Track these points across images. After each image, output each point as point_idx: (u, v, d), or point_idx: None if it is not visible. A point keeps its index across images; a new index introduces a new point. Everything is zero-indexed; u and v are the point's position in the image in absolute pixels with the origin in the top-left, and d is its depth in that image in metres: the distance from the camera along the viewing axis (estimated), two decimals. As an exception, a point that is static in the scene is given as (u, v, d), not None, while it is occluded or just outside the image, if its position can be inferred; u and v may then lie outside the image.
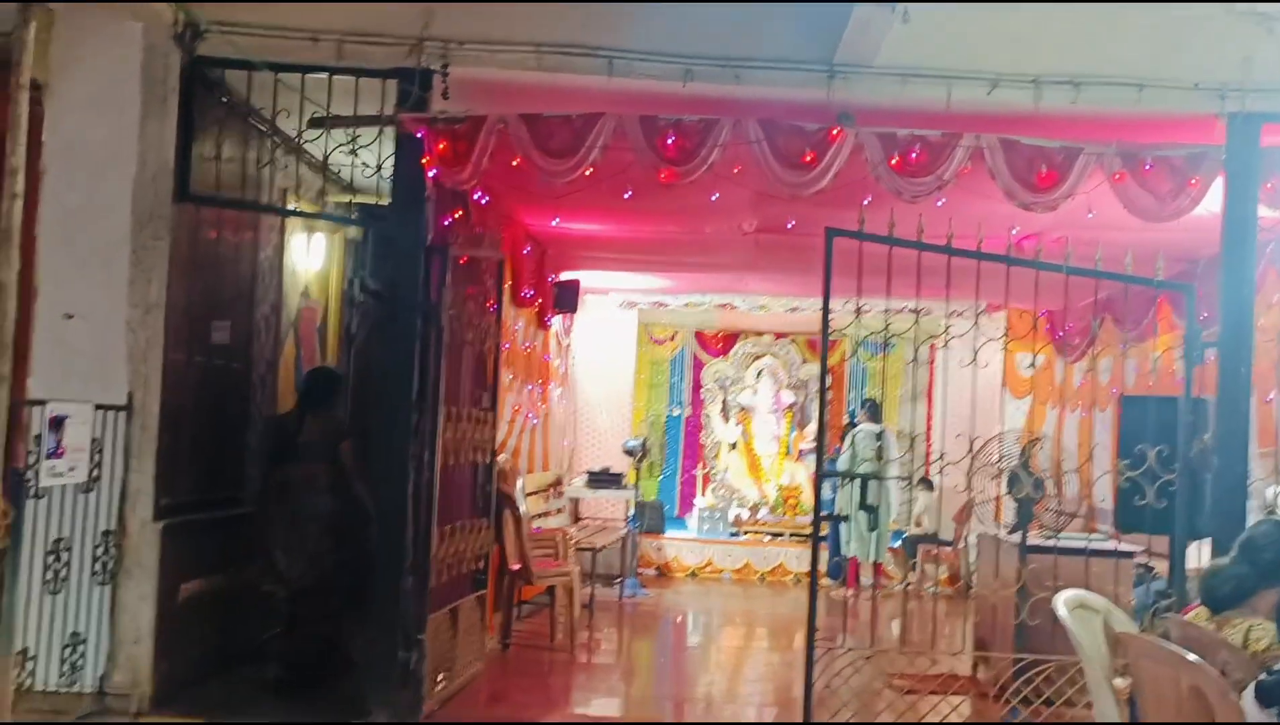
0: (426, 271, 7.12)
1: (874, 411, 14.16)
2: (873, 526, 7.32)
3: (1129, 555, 8.15)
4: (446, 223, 7.41)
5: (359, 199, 9.34)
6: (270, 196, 8.28)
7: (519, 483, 10.71)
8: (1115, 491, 7.22)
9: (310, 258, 9.30)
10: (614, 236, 10.21)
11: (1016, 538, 8.04)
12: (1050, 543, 7.49)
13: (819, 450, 7.10)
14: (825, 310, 7.04)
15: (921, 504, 14.43)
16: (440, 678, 7.46)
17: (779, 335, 16.72)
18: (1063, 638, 7.55)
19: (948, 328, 7.35)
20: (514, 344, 10.16)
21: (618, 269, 12.39)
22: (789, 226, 8.54)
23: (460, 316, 7.64)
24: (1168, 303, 10.28)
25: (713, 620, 12.65)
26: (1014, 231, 7.03)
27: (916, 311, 7.18)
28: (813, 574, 6.96)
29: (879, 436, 13.65)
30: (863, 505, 7.02)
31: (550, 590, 9.84)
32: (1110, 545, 8.07)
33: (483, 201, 8.16)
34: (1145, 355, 11.78)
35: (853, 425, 14.35)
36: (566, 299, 12.30)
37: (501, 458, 10.26)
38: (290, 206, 8.61)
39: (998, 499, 14.68)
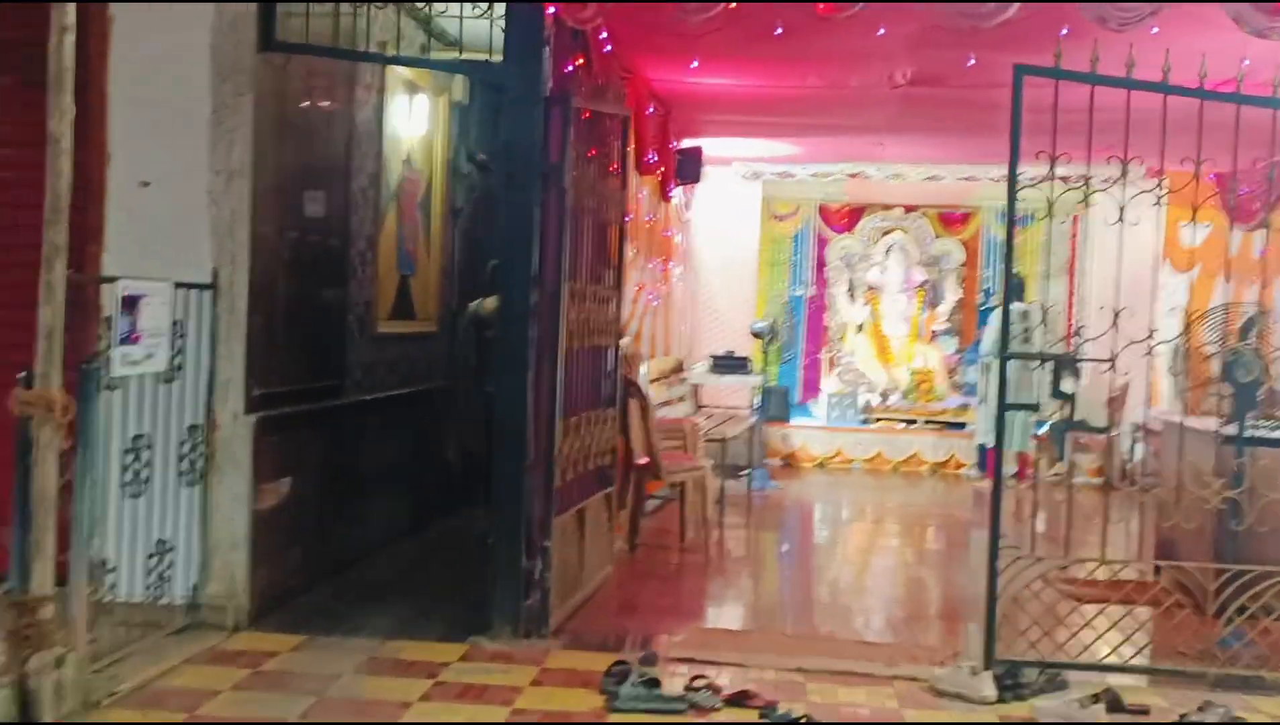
0: (546, 127, 6.17)
1: (1018, 289, 13.02)
2: (1069, 416, 6.24)
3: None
4: (568, 71, 6.43)
5: (467, 55, 8.37)
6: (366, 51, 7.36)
7: (643, 368, 9.84)
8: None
9: (413, 122, 8.40)
10: (746, 94, 9.13)
11: (1205, 425, 7.01)
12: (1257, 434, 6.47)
13: (1003, 329, 6.07)
14: (1013, 168, 5.95)
15: (1070, 387, 13.28)
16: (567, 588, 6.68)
17: (909, 209, 15.59)
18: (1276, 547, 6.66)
19: (1086, 192, 6.07)
20: (637, 215, 9.18)
21: (747, 134, 11.31)
22: (969, 64, 7.36)
23: (583, 181, 6.70)
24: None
25: (850, 515, 11.77)
26: (1245, 63, 5.86)
27: (1087, 178, 6.04)
28: (997, 476, 6.00)
29: (1025, 315, 12.56)
30: (1056, 392, 5.97)
31: (678, 485, 9.00)
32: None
33: (606, 49, 7.16)
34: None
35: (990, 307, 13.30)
36: (690, 168, 11.27)
37: (625, 341, 9.39)
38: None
39: (1154, 386, 13.66)
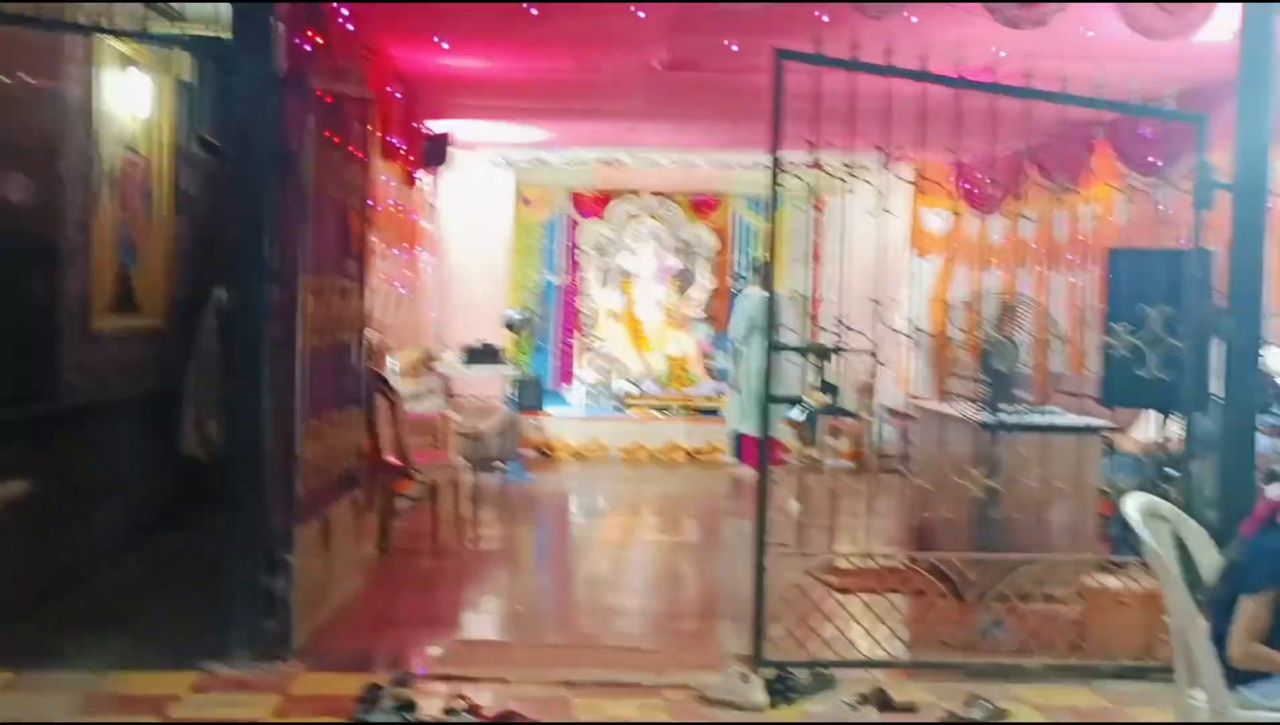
0: (280, 111, 5.68)
1: (766, 275, 13.07)
2: (835, 405, 6.14)
3: (1095, 431, 7.20)
4: (304, 50, 5.94)
5: (193, 31, 7.73)
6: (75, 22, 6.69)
7: (391, 362, 9.39)
8: (1101, 360, 6.20)
9: (132, 101, 7.70)
10: (496, 77, 8.74)
11: (962, 411, 7.05)
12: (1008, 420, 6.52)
13: (769, 319, 5.89)
14: (775, 154, 5.77)
15: (835, 378, 13.37)
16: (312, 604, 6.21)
17: (660, 195, 15.47)
18: (1035, 533, 6.72)
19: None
20: (381, 202, 8.70)
21: (497, 118, 10.91)
22: (731, 48, 7.16)
23: (323, 167, 6.22)
24: (1110, 146, 9.31)
25: (608, 507, 11.56)
26: (1000, 54, 5.85)
27: (849, 165, 5.94)
28: (763, 475, 5.83)
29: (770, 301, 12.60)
30: (823, 386, 5.85)
31: (430, 484, 8.59)
32: (1077, 421, 7.11)
33: (347, 27, 6.69)
34: (1074, 208, 10.91)
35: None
36: (436, 153, 10.80)
37: (371, 334, 8.91)
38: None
39: (901, 370, 13.90)
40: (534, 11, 6.05)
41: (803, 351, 6.16)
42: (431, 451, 8.78)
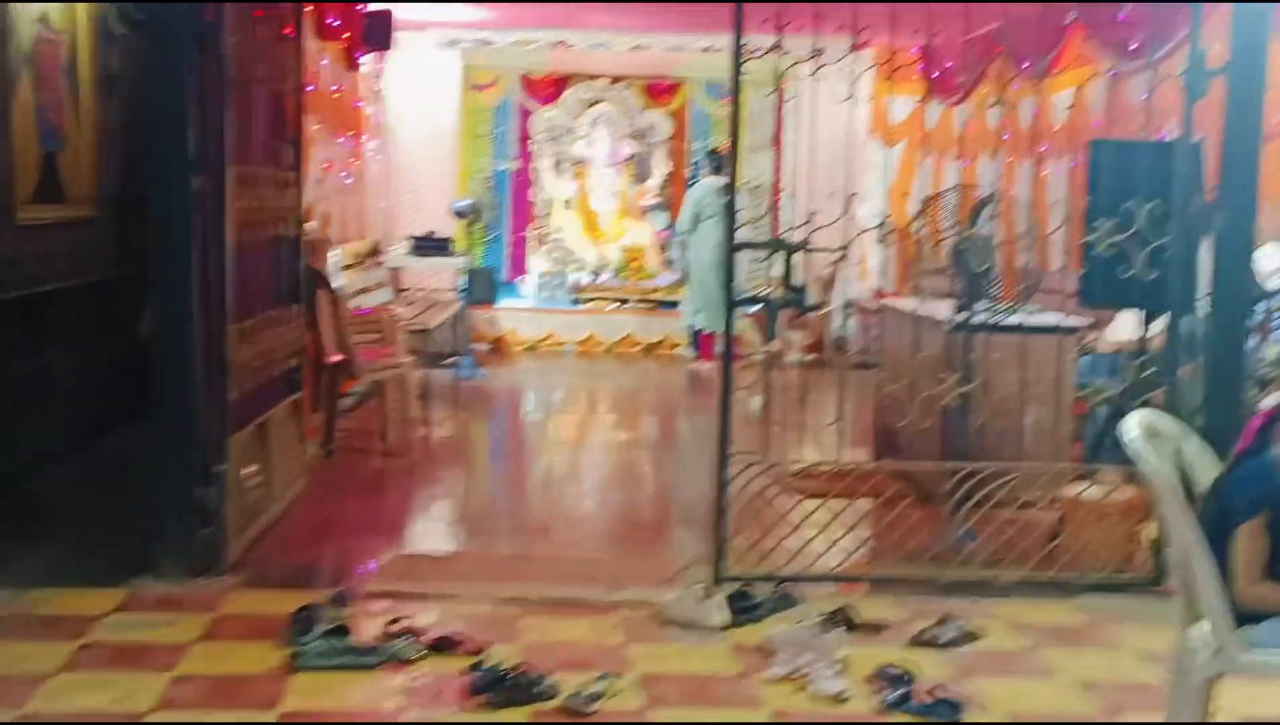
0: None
1: (718, 163, 12.65)
2: (800, 304, 5.78)
3: (1073, 331, 6.91)
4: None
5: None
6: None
7: (332, 256, 8.94)
8: (1080, 258, 5.86)
9: (47, -27, 7.14)
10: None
11: (932, 311, 6.72)
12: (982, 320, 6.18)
13: (727, 219, 5.46)
14: (738, 36, 5.33)
15: (801, 278, 13.00)
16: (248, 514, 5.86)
17: (615, 80, 14.94)
18: (1006, 441, 6.44)
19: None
20: (320, 86, 8.16)
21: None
22: None
23: (247, 45, 5.73)
24: (1081, 30, 8.89)
25: (562, 405, 11.23)
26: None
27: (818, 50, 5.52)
28: (726, 383, 5.48)
29: (725, 191, 12.19)
30: (786, 284, 5.49)
31: (378, 383, 8.22)
32: (1054, 320, 6.80)
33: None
34: (1045, 96, 10.50)
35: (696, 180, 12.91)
36: (378, 33, 10.24)
37: (310, 226, 8.46)
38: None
39: (863, 262, 13.58)
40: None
41: (768, 248, 5.78)
42: (378, 348, 8.37)
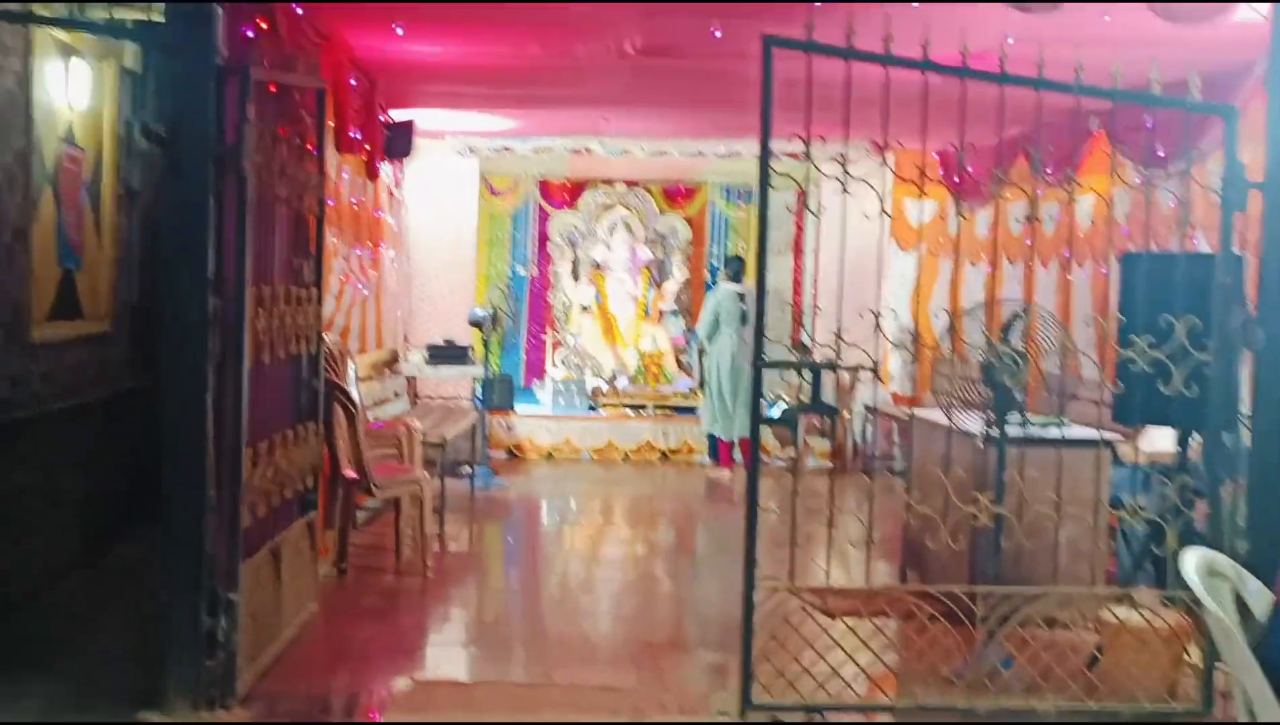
0: (220, 103, 5.14)
1: (737, 269, 12.64)
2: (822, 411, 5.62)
3: (1109, 445, 6.75)
4: (247, 35, 5.40)
5: (126, 13, 7.13)
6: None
7: (350, 368, 8.83)
8: (1114, 374, 5.72)
9: (72, 91, 7.12)
10: (460, 63, 8.20)
11: (961, 424, 6.53)
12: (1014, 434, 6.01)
13: (756, 334, 5.34)
14: (764, 144, 5.26)
15: (832, 398, 12.85)
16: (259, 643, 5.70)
17: (631, 184, 14.99)
18: (1040, 559, 6.23)
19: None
20: (340, 200, 8.14)
21: (462, 106, 10.36)
22: (715, 34, 6.64)
23: (270, 165, 5.68)
24: (1105, 136, 8.82)
25: (580, 515, 11.03)
26: (1009, 42, 5.34)
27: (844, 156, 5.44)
28: (751, 500, 5.32)
29: (742, 297, 12.13)
30: (815, 403, 5.35)
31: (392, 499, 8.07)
32: (1088, 434, 6.64)
33: (297, 11, 6.16)
34: (1068, 202, 10.42)
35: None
36: (399, 143, 10.24)
37: (330, 339, 8.38)
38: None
39: (880, 367, 13.40)
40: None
41: (796, 368, 5.65)
42: (394, 465, 8.25)
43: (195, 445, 5.18)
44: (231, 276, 5.25)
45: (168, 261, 5.27)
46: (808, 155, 5.23)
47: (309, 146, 6.52)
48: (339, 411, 7.49)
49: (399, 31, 6.94)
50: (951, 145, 6.69)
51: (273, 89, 5.73)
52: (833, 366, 5.40)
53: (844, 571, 6.22)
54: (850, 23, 5.09)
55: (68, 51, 7.06)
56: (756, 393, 5.37)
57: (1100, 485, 6.38)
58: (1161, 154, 7.81)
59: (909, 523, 7.56)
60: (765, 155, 5.23)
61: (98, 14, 6.86)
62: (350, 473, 7.61)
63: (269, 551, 5.88)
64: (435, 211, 13.04)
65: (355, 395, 8.05)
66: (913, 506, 5.71)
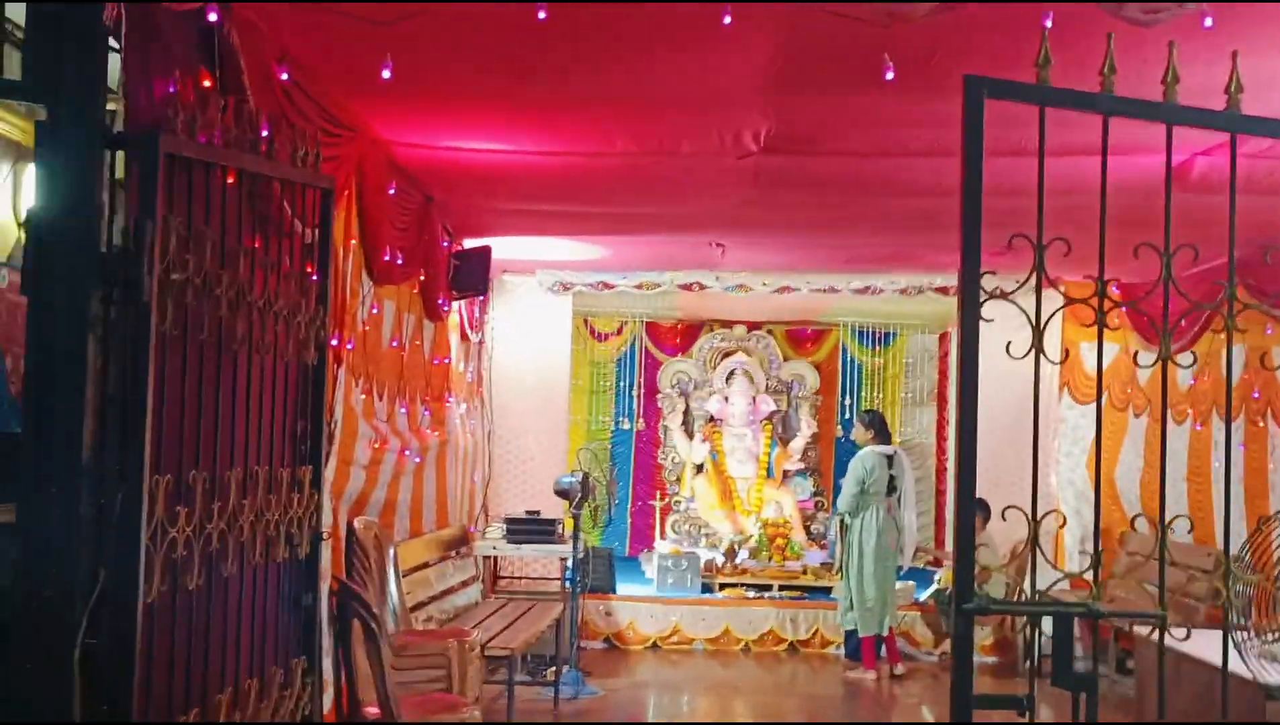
0: (110, 189, 3.30)
1: (881, 428, 10.35)
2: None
3: None
4: (169, 91, 3.56)
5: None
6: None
7: (391, 558, 6.89)
8: None
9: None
10: (531, 166, 6.31)
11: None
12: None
13: (959, 574, 3.29)
14: (969, 232, 3.27)
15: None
16: None
17: (751, 326, 13.18)
18: None
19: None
20: (364, 340, 6.21)
21: (545, 231, 8.49)
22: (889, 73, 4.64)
23: (210, 288, 3.81)
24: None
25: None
26: None
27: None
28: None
29: (890, 461, 9.95)
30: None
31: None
32: None
33: (281, 75, 4.37)
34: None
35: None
36: (472, 275, 8.43)
37: (361, 524, 6.48)
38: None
39: (1056, 544, 11.16)
40: (541, 15, 3.58)
41: (1013, 612, 3.56)
42: (437, 696, 6.20)
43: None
44: (125, 462, 3.35)
45: (26, 429, 3.37)
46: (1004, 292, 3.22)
47: (309, 267, 4.69)
48: (357, 627, 5.53)
49: (427, 115, 5.07)
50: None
51: (230, 179, 3.89)
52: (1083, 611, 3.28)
53: None
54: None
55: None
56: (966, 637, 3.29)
57: None
58: None
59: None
60: (973, 264, 3.21)
61: None
62: (372, 711, 5.61)
63: None
64: (524, 357, 11.19)
65: (392, 596, 6.10)
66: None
